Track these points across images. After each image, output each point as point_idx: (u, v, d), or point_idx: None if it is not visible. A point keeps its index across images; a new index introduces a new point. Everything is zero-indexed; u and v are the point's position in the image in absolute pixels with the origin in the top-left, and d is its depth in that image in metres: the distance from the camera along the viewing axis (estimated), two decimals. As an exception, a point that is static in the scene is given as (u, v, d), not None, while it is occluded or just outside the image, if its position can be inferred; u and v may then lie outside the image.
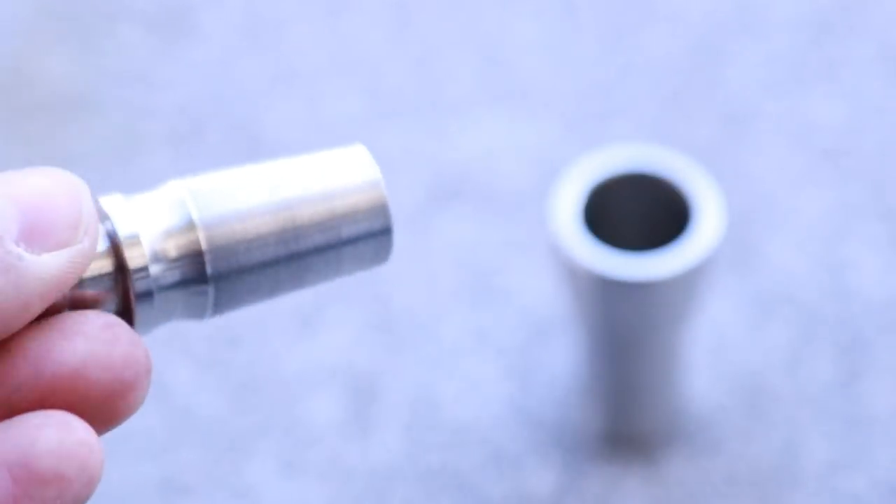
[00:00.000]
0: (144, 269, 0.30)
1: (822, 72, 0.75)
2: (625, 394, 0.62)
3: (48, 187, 0.29)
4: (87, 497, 0.29)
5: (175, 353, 0.68)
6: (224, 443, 0.65)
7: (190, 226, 0.30)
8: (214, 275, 0.30)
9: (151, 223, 0.30)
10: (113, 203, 0.30)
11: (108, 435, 0.65)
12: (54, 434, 0.28)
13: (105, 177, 0.73)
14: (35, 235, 0.28)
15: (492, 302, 0.68)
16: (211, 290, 0.30)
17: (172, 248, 0.30)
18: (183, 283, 0.30)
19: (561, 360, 0.67)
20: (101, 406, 0.29)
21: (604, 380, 0.62)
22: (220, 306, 0.31)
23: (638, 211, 0.60)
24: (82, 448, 0.28)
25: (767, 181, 0.72)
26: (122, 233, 0.30)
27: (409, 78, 0.76)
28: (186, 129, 0.75)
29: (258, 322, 0.68)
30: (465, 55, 0.77)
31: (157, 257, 0.30)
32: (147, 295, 0.30)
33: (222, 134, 0.75)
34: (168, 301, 0.30)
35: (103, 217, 0.30)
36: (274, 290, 0.31)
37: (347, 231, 0.31)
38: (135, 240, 0.30)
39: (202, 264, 0.30)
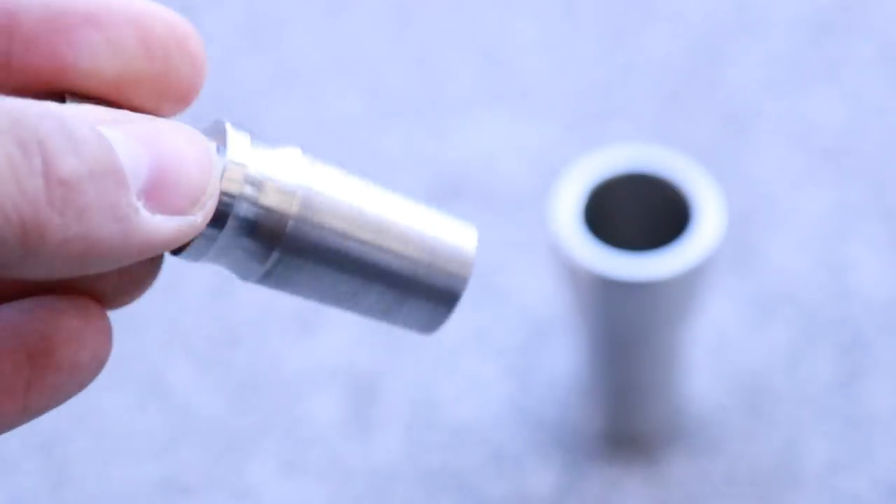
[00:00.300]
0: (232, 196, 0.29)
1: (822, 72, 0.75)
2: (625, 394, 0.62)
3: (183, 149, 0.28)
4: (91, 380, 0.29)
5: (175, 353, 0.68)
6: (224, 443, 0.65)
7: (293, 190, 0.30)
8: (288, 242, 0.30)
9: (260, 166, 0.30)
10: (235, 134, 0.30)
11: (109, 435, 0.65)
12: (75, 323, 0.29)
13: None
14: (156, 194, 0.28)
15: (492, 302, 0.68)
16: (275, 255, 0.30)
17: (265, 196, 0.30)
18: (255, 233, 0.30)
19: (561, 360, 0.67)
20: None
21: (604, 380, 0.62)
22: (271, 277, 0.31)
23: (638, 211, 0.60)
24: (98, 336, 0.29)
25: (767, 181, 0.72)
26: (231, 156, 0.29)
27: (409, 78, 0.76)
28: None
29: (258, 322, 0.68)
30: (465, 55, 0.77)
31: (247, 193, 0.29)
32: (220, 220, 0.29)
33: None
34: (232, 240, 0.30)
35: (221, 140, 0.30)
36: (327, 291, 0.31)
37: (420, 280, 0.31)
38: (239, 167, 0.29)
39: (283, 227, 0.30)
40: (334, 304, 0.31)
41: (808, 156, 0.72)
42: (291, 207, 0.30)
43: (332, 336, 0.68)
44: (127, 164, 0.27)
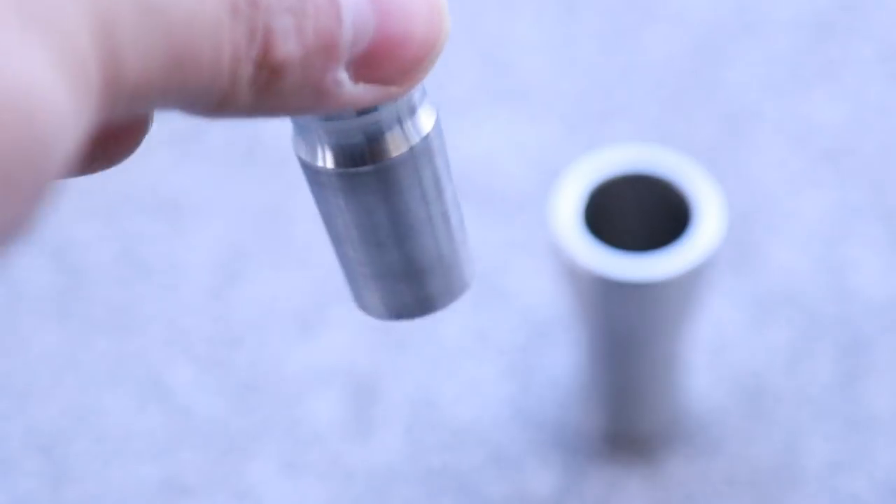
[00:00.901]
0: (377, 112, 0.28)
1: (823, 72, 0.75)
2: (625, 394, 0.62)
3: (414, 10, 0.25)
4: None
5: (176, 354, 0.67)
6: (224, 443, 0.65)
7: (424, 130, 0.29)
8: (393, 162, 0.29)
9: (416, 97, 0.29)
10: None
11: (109, 436, 0.65)
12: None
13: (105, 177, 0.73)
14: (368, 65, 0.25)
15: (492, 302, 0.68)
16: (368, 167, 0.29)
17: (410, 118, 0.29)
18: (375, 139, 0.29)
19: (561, 360, 0.67)
20: None
21: (604, 380, 0.62)
22: (339, 179, 0.29)
23: (638, 211, 0.60)
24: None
25: (767, 181, 0.72)
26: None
27: (410, 78, 0.76)
28: (186, 130, 0.75)
29: (258, 322, 0.68)
30: (466, 55, 0.77)
31: (405, 104, 0.28)
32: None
33: (222, 134, 0.75)
34: (356, 126, 0.28)
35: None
36: (373, 223, 0.31)
37: (434, 272, 0.32)
38: (410, 103, 0.28)
39: (403, 149, 0.29)
40: (360, 241, 0.31)
41: (808, 156, 0.72)
42: (413, 140, 0.29)
43: (333, 336, 0.68)
44: (348, 35, 0.24)
